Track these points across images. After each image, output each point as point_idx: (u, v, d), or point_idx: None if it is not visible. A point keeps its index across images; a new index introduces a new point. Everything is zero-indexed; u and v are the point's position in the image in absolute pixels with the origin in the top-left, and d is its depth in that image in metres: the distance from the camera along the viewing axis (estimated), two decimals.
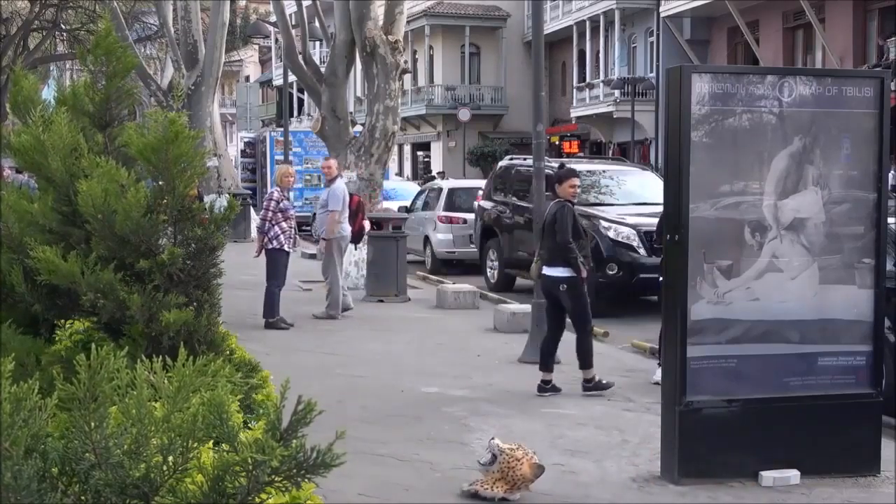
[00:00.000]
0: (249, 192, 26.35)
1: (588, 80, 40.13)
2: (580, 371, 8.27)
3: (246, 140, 32.80)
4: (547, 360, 8.29)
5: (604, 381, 8.26)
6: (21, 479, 2.37)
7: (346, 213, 12.39)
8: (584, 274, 8.20)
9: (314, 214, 14.82)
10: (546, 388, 8.23)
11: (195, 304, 4.44)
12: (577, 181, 8.42)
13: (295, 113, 49.86)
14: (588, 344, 8.29)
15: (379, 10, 16.03)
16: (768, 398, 5.97)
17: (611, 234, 12.96)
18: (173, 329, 4.22)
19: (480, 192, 17.58)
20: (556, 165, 10.44)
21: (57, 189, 4.80)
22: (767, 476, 5.85)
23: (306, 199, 26.40)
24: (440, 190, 19.55)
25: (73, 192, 4.57)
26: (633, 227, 12.88)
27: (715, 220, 5.87)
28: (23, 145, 4.80)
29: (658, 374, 7.45)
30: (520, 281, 15.57)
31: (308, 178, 27.30)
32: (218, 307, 4.62)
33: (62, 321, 4.88)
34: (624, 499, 5.65)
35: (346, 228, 12.40)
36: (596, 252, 12.97)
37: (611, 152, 38.09)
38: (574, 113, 40.25)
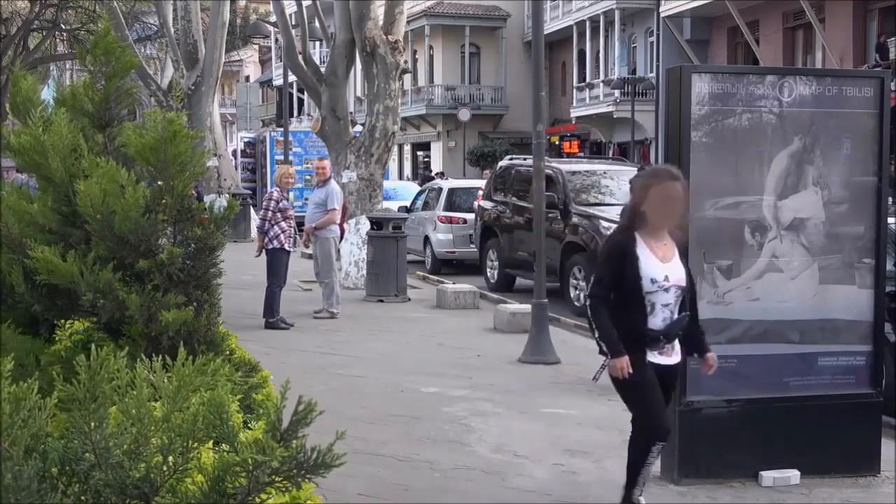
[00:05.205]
0: (249, 192, 26.34)
1: (588, 80, 40.13)
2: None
3: (246, 140, 32.78)
4: None
5: None
6: (21, 479, 2.36)
7: (340, 214, 12.75)
8: None
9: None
10: None
11: (195, 303, 4.43)
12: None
13: (295, 113, 49.84)
14: None
15: (379, 10, 16.03)
16: (768, 398, 5.96)
17: None
18: (173, 329, 4.21)
19: (480, 192, 17.58)
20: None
21: (56, 189, 4.79)
22: (767, 476, 5.85)
23: (306, 198, 26.37)
24: (440, 190, 19.54)
25: (73, 192, 4.56)
26: None
27: (715, 220, 5.87)
28: (22, 145, 4.79)
29: None
30: (520, 281, 15.56)
31: (308, 178, 27.29)
32: (218, 307, 4.61)
33: (62, 321, 4.88)
34: None
35: (336, 229, 12.64)
36: (596, 252, 13.00)
37: (611, 152, 38.07)
38: (574, 113, 40.24)
